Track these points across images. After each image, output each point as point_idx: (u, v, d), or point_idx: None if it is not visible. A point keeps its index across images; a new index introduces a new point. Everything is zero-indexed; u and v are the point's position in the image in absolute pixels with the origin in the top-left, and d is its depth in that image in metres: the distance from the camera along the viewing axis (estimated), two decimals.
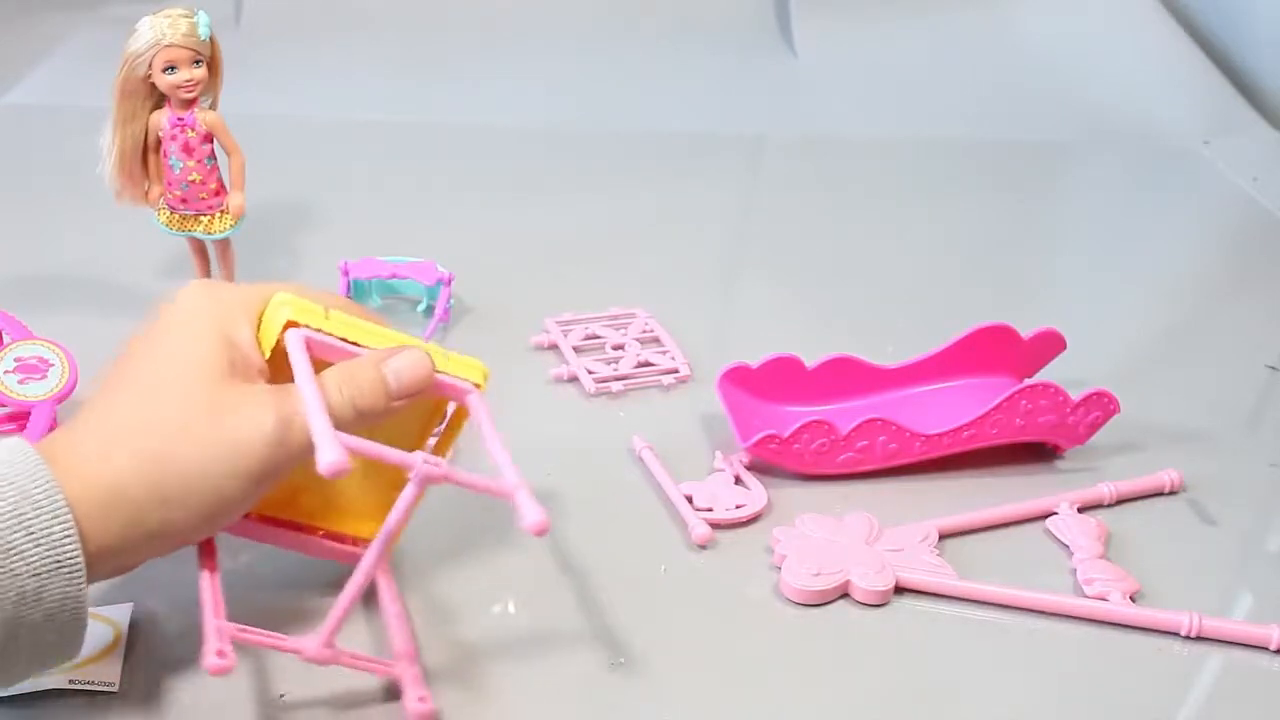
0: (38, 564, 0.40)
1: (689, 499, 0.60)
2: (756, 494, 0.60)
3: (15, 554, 0.40)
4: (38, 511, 0.40)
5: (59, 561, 0.41)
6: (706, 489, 0.61)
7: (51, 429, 0.58)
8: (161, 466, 0.43)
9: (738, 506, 0.59)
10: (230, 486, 0.44)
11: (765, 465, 0.62)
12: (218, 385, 0.45)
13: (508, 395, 0.65)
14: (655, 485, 0.62)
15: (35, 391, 0.58)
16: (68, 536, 0.41)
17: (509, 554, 0.57)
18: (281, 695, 0.49)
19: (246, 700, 0.49)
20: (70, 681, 0.48)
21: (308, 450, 0.43)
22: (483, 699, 0.49)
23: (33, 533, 0.40)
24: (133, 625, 0.51)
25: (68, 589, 0.41)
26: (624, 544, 0.57)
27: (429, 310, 0.75)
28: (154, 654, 0.50)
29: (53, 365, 0.59)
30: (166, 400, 0.44)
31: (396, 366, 0.48)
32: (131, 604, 0.52)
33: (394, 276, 0.75)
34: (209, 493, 0.44)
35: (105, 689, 0.48)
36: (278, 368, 0.47)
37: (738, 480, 0.61)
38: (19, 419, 0.59)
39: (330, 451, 0.41)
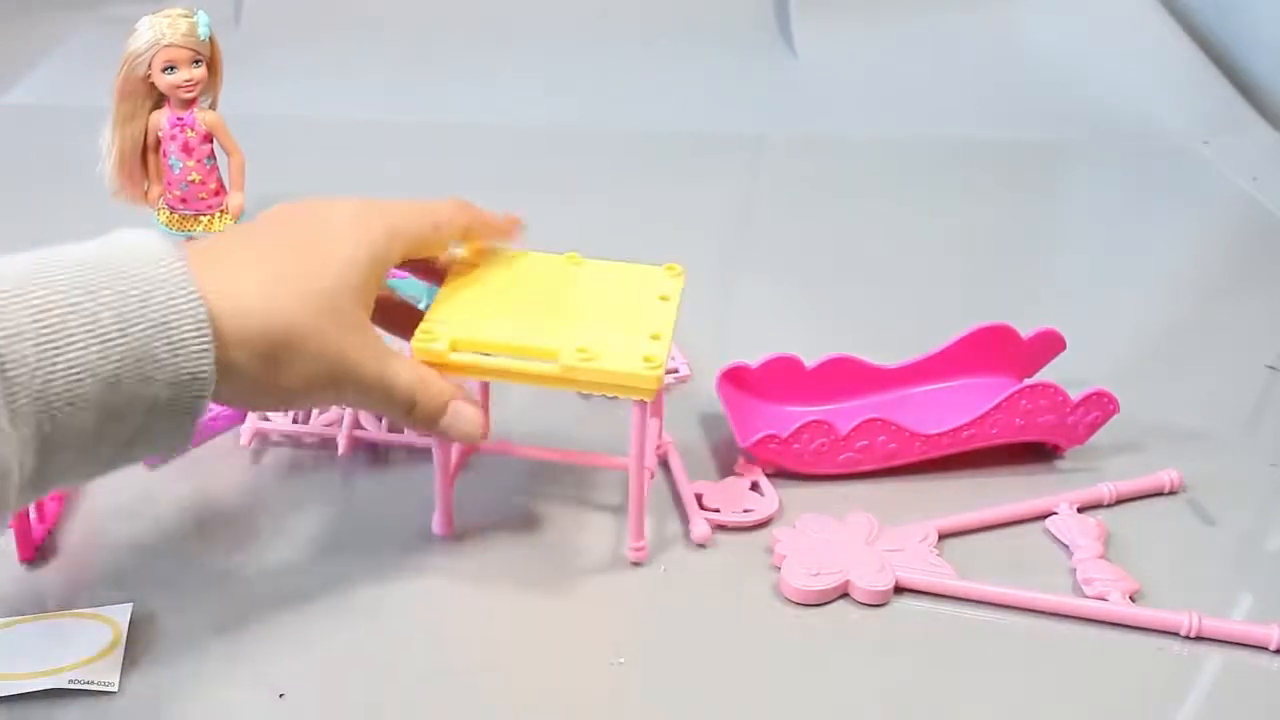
0: (172, 373, 0.42)
1: (698, 498, 0.60)
2: (769, 500, 0.60)
3: (154, 362, 0.42)
4: (180, 320, 0.42)
5: (193, 375, 0.43)
6: (719, 490, 0.61)
7: None
8: (319, 324, 0.46)
9: (745, 511, 0.59)
10: (305, 396, 0.48)
11: (784, 473, 0.62)
12: (352, 307, 0.48)
13: (507, 395, 0.65)
14: (654, 485, 0.62)
15: None
16: (205, 351, 0.43)
17: (508, 555, 0.57)
18: (281, 695, 0.49)
19: (246, 700, 0.49)
20: (70, 681, 0.48)
21: (421, 416, 0.51)
22: (483, 698, 0.50)
23: (172, 342, 0.42)
24: (132, 625, 0.51)
25: (195, 399, 0.43)
26: (624, 543, 0.57)
27: (428, 309, 0.74)
28: (154, 654, 0.50)
29: None
30: (308, 287, 0.47)
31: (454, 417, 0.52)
32: (131, 604, 0.52)
33: (393, 275, 0.75)
34: (331, 378, 0.47)
35: (105, 689, 0.48)
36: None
37: (754, 486, 0.61)
38: None
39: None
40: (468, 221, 0.55)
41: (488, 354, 0.52)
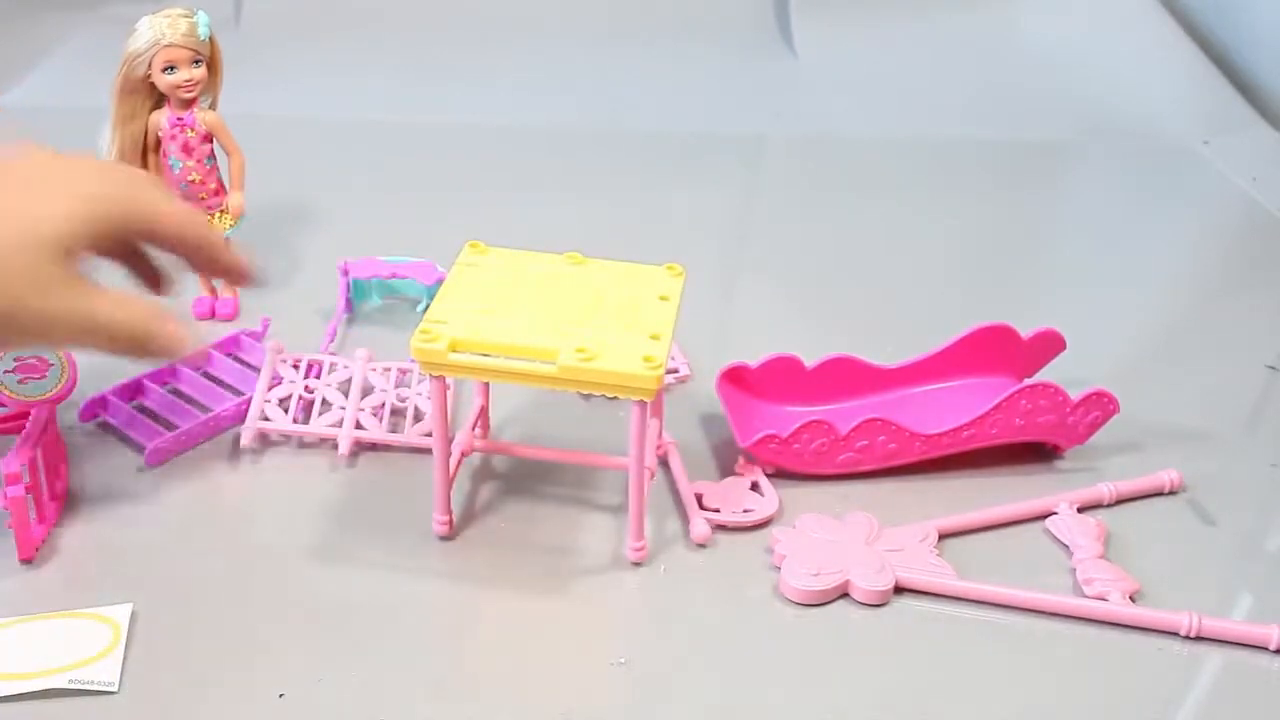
0: None
1: (698, 498, 0.60)
2: (769, 500, 0.60)
3: None
4: None
5: None
6: (719, 490, 0.61)
7: (51, 431, 0.59)
8: None
9: (745, 511, 0.59)
10: (38, 336, 0.47)
11: (784, 473, 0.62)
12: (52, 260, 0.47)
13: (504, 396, 0.65)
14: (654, 485, 0.62)
15: (35, 391, 0.58)
16: None
17: (508, 555, 0.57)
18: (281, 695, 0.49)
19: (246, 699, 0.49)
20: (70, 681, 0.48)
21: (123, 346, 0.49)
22: (483, 698, 0.50)
23: None
24: (132, 625, 0.51)
25: None
26: (624, 543, 0.57)
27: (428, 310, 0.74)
28: (154, 654, 0.50)
29: (52, 365, 0.59)
30: (8, 241, 0.46)
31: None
32: (131, 604, 0.52)
33: (394, 276, 0.75)
34: (15, 323, 0.46)
35: (104, 689, 0.48)
36: None
37: (754, 486, 0.61)
38: (19, 419, 0.59)
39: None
40: (200, 238, 0.52)
41: (487, 354, 0.52)
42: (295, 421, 0.64)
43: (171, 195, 0.52)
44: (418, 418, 0.65)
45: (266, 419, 0.63)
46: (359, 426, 0.63)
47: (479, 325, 0.53)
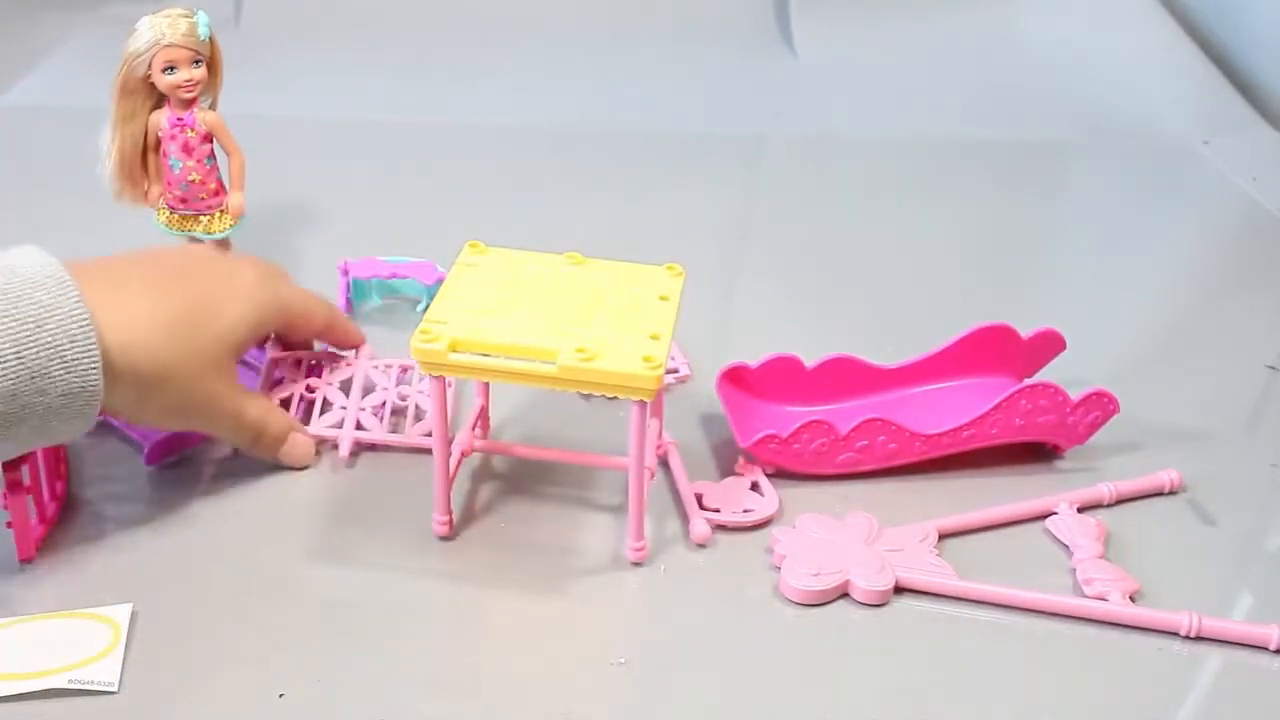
0: (64, 388, 0.50)
1: (698, 498, 0.60)
2: (769, 500, 0.60)
3: (47, 378, 0.49)
4: (73, 344, 0.49)
5: (83, 388, 0.50)
6: (719, 490, 0.61)
7: None
8: (195, 371, 0.55)
9: (745, 511, 0.59)
10: (161, 422, 0.57)
11: (784, 473, 0.62)
12: (227, 358, 0.58)
13: (504, 396, 0.65)
14: (654, 485, 0.62)
15: None
16: (94, 368, 0.50)
17: (508, 555, 0.57)
18: (281, 695, 0.49)
19: (246, 699, 0.49)
20: (70, 681, 0.48)
21: (264, 445, 0.60)
22: (483, 698, 0.50)
23: (66, 362, 0.49)
24: (132, 625, 0.51)
25: (85, 407, 0.51)
26: (624, 543, 0.57)
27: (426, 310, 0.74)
28: (154, 654, 0.50)
29: None
30: (198, 336, 0.55)
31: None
32: (131, 604, 0.52)
33: (394, 276, 0.75)
34: (195, 410, 0.57)
35: (104, 689, 0.48)
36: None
37: (754, 486, 0.61)
38: None
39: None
40: (336, 321, 0.66)
41: (487, 354, 0.52)
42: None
43: (303, 302, 0.64)
44: (418, 417, 0.64)
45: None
46: (359, 427, 0.63)
47: (479, 325, 0.53)
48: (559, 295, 0.56)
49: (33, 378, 0.48)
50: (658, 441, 0.62)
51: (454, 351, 0.52)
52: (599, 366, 0.51)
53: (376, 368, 0.67)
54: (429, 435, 0.58)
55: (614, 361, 0.51)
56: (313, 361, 0.67)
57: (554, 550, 0.57)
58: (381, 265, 0.75)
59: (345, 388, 0.66)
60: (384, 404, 0.65)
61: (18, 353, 0.48)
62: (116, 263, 0.56)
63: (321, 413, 0.64)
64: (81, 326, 0.49)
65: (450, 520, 0.57)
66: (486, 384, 0.62)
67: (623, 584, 0.56)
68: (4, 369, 0.48)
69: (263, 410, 0.59)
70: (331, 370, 0.67)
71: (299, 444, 0.61)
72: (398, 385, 0.66)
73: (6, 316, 0.48)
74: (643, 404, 0.52)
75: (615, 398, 0.52)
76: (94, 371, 0.50)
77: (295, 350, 0.67)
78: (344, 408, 0.64)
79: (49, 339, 0.49)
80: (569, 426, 0.66)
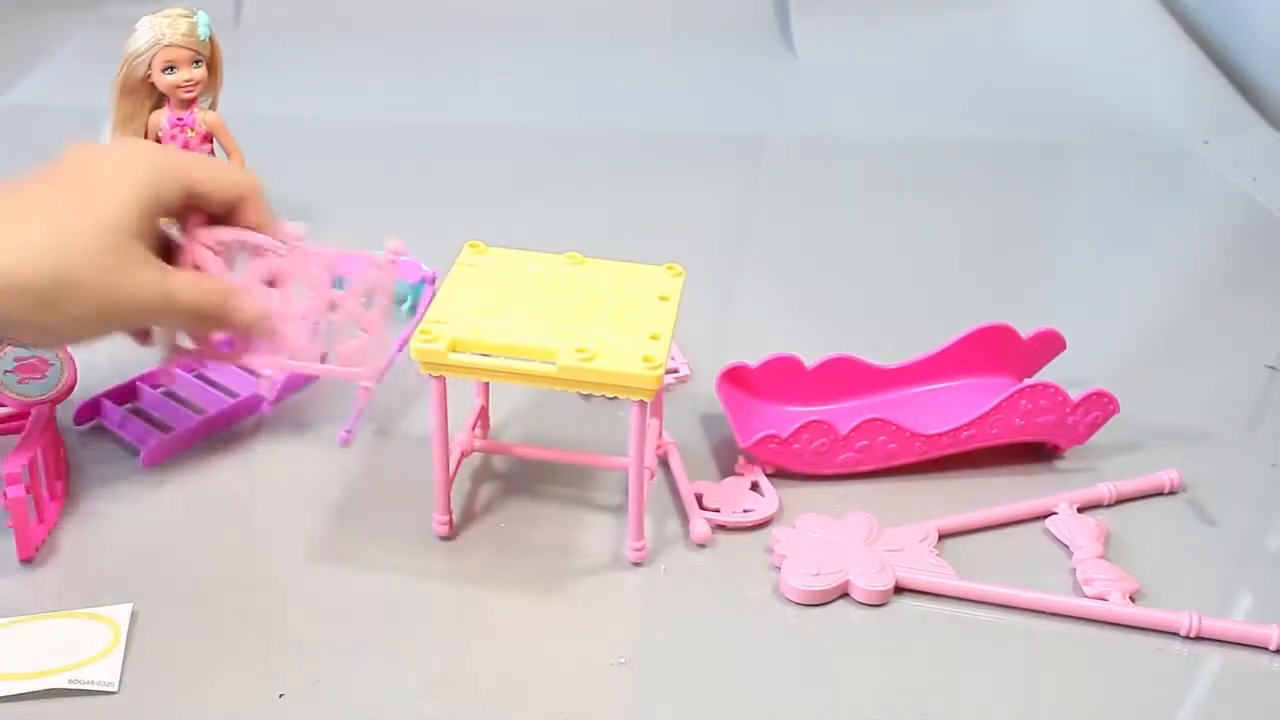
0: None
1: (698, 497, 0.60)
2: (769, 500, 0.60)
3: None
4: None
5: None
6: (719, 490, 0.61)
7: (51, 431, 0.59)
8: (55, 280, 0.48)
9: (745, 511, 0.59)
10: (91, 330, 0.51)
11: (784, 473, 0.62)
12: (129, 241, 0.50)
13: (504, 396, 0.65)
14: (654, 485, 0.62)
15: (34, 391, 0.58)
16: None
17: (508, 555, 0.57)
18: (281, 695, 0.49)
19: (246, 699, 0.49)
20: (70, 681, 0.48)
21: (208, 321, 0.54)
22: (483, 698, 0.50)
23: None
24: (132, 625, 0.51)
25: None
26: (624, 543, 0.57)
27: (413, 309, 0.75)
28: (154, 654, 0.50)
29: (52, 365, 0.59)
30: (85, 229, 0.49)
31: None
32: (131, 604, 0.52)
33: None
34: (117, 309, 0.50)
35: (104, 689, 0.48)
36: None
37: (754, 486, 0.61)
38: (18, 418, 0.60)
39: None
40: (250, 196, 0.57)
41: (487, 354, 0.52)
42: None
43: (211, 168, 0.56)
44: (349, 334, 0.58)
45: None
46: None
47: (479, 325, 0.53)
48: (559, 295, 0.56)
49: None
50: (658, 441, 0.62)
51: (454, 351, 0.52)
52: (599, 366, 0.51)
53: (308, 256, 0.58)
54: (357, 363, 0.56)
55: (614, 361, 0.51)
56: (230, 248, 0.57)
57: (554, 550, 0.57)
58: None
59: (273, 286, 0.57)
60: (313, 312, 0.57)
61: None
62: None
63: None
64: None
65: (450, 520, 0.57)
66: (486, 384, 0.62)
67: (623, 584, 0.56)
68: None
69: (193, 283, 0.53)
70: (254, 262, 0.57)
71: (246, 306, 0.54)
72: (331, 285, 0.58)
73: None
74: (642, 404, 0.52)
75: (615, 398, 0.52)
76: None
77: (213, 232, 0.56)
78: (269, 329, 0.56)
79: None
80: (569, 426, 0.66)
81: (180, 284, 0.52)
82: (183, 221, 0.55)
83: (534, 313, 0.54)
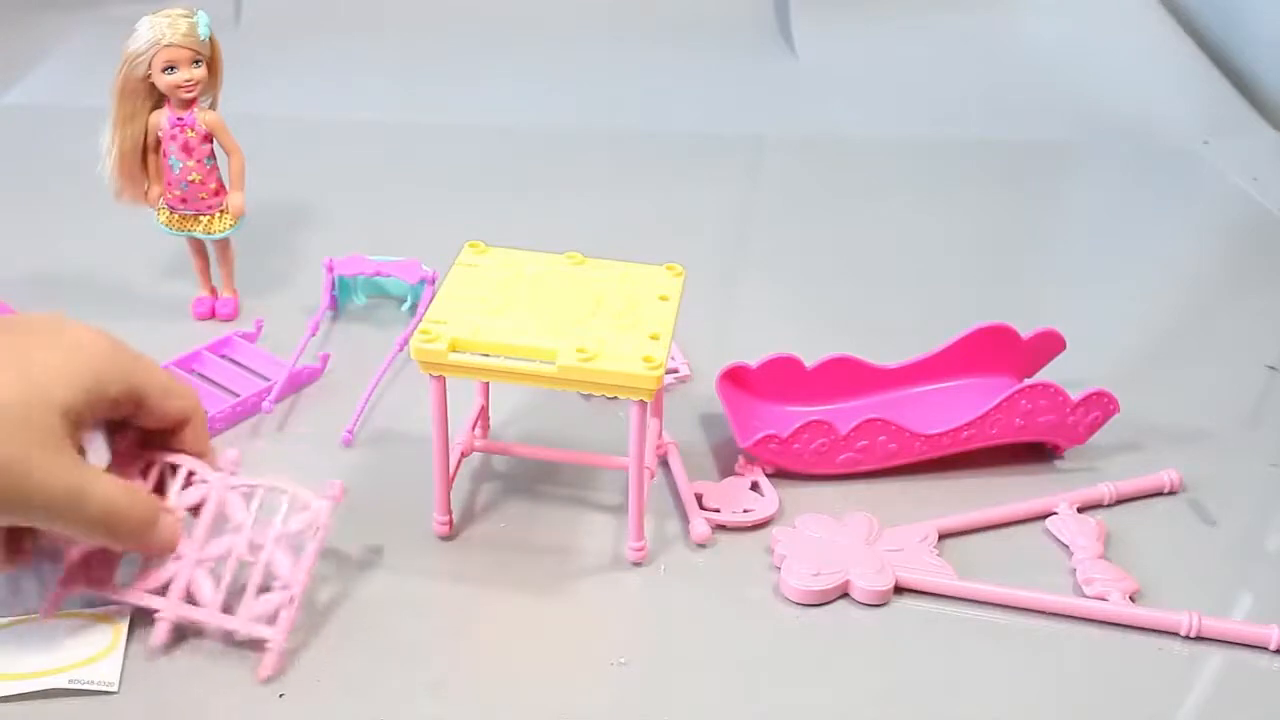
0: None
1: (698, 497, 0.60)
2: (769, 500, 0.60)
3: None
4: None
5: None
6: (719, 490, 0.61)
7: None
8: None
9: (745, 511, 0.59)
10: (41, 510, 0.46)
11: (784, 473, 0.62)
12: (54, 422, 0.45)
13: (504, 396, 0.65)
14: (654, 485, 0.62)
15: None
16: None
17: (508, 555, 0.57)
18: (281, 695, 0.49)
19: (246, 700, 0.49)
20: (70, 681, 0.48)
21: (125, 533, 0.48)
22: (483, 698, 0.50)
23: None
24: (132, 626, 0.51)
25: None
26: (624, 543, 0.57)
27: (413, 309, 0.75)
28: (154, 654, 0.50)
29: None
30: (12, 392, 0.45)
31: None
32: (131, 605, 0.52)
33: (378, 274, 0.75)
34: (14, 491, 0.44)
35: (105, 689, 0.48)
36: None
37: (754, 486, 0.61)
38: None
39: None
40: (194, 415, 0.52)
41: (486, 354, 0.52)
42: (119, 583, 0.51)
43: (162, 378, 0.51)
44: (264, 586, 0.50)
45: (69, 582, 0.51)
46: (188, 597, 0.50)
47: (479, 325, 0.53)
48: (559, 295, 0.56)
49: None
50: (658, 441, 0.62)
51: (454, 351, 0.52)
52: (599, 366, 0.51)
53: (236, 489, 0.52)
54: (269, 622, 0.50)
55: (614, 361, 0.51)
56: (165, 465, 0.53)
57: (554, 550, 0.57)
58: (366, 263, 0.75)
59: (192, 516, 0.52)
60: (229, 553, 0.51)
61: None
62: None
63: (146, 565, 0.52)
64: None
65: (450, 520, 0.57)
66: (486, 384, 0.62)
67: (623, 584, 0.56)
68: None
69: (114, 493, 0.47)
70: (181, 489, 0.52)
71: (166, 527, 0.50)
72: (255, 524, 0.52)
73: None
74: (642, 404, 0.52)
75: (615, 398, 0.52)
76: None
77: (153, 447, 0.52)
78: (178, 557, 0.51)
79: None
80: (569, 426, 0.66)
81: (102, 487, 0.47)
82: (114, 430, 0.52)
83: (534, 313, 0.54)
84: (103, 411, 0.49)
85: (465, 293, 0.55)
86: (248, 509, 0.52)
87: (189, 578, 0.50)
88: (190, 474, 0.52)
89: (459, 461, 0.60)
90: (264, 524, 0.51)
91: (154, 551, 0.50)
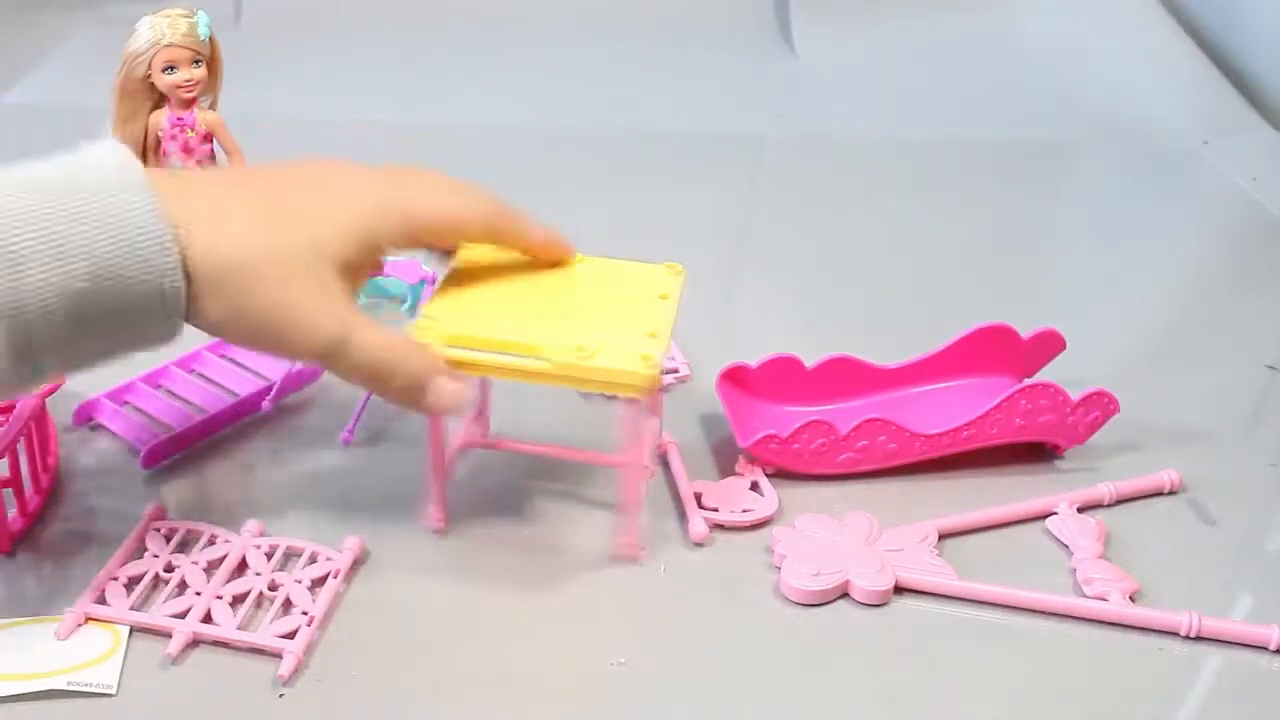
0: (143, 289, 0.45)
1: (697, 497, 0.60)
2: (768, 500, 0.60)
3: (124, 279, 0.44)
4: (146, 239, 0.45)
5: (162, 291, 0.45)
6: (718, 489, 0.61)
7: (42, 421, 0.58)
8: (279, 270, 0.47)
9: (744, 510, 0.59)
10: (259, 334, 0.49)
11: (784, 473, 0.62)
12: (322, 265, 0.49)
13: (505, 395, 0.65)
14: (654, 485, 0.62)
15: None
16: (172, 267, 0.45)
17: (507, 554, 0.57)
18: (281, 695, 0.49)
19: (245, 701, 0.49)
20: (69, 683, 0.48)
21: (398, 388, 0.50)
22: (483, 698, 0.49)
23: (140, 259, 0.45)
24: (133, 631, 0.51)
25: (170, 309, 0.46)
26: (622, 542, 0.57)
27: (413, 309, 0.75)
28: (153, 654, 0.50)
29: None
30: (283, 234, 0.48)
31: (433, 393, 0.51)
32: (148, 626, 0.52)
33: (378, 274, 0.75)
34: (286, 327, 0.48)
35: (104, 691, 0.48)
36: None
37: (754, 486, 0.61)
38: (5, 410, 0.59)
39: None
40: (495, 224, 0.55)
41: (483, 350, 0.52)
42: (133, 608, 0.52)
43: (448, 185, 0.55)
44: (285, 609, 0.52)
45: (102, 601, 0.52)
46: (207, 619, 0.52)
47: (474, 321, 0.53)
48: (556, 292, 0.55)
49: (106, 278, 0.44)
50: (657, 440, 0.62)
51: (450, 346, 0.52)
52: (595, 364, 0.51)
53: (259, 548, 0.55)
54: (287, 636, 0.50)
55: (611, 359, 0.51)
56: (188, 534, 0.56)
57: (553, 549, 0.57)
58: None
59: (211, 569, 0.54)
60: (249, 592, 0.53)
61: (88, 250, 0.44)
62: (202, 171, 0.51)
63: (170, 598, 0.53)
64: (156, 219, 0.45)
65: (444, 515, 0.57)
66: (484, 381, 0.62)
67: (623, 584, 0.56)
68: (72, 267, 0.43)
69: (380, 342, 0.49)
70: (203, 547, 0.55)
71: (443, 389, 0.51)
72: (275, 571, 0.54)
73: (75, 212, 0.44)
74: (639, 401, 0.52)
75: (614, 396, 0.52)
76: (172, 270, 0.45)
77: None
78: (198, 593, 0.52)
79: (118, 234, 0.44)
80: (569, 424, 0.65)
81: (369, 337, 0.49)
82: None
83: (531, 309, 0.54)
84: (378, 255, 0.52)
85: (462, 288, 0.55)
86: (268, 563, 0.55)
87: (207, 607, 0.52)
88: (213, 536, 0.56)
89: (455, 457, 0.60)
90: (284, 572, 0.54)
91: (429, 412, 0.52)
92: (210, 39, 0.67)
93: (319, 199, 0.50)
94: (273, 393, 0.65)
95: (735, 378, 0.65)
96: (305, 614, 0.52)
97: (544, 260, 0.57)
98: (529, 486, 0.61)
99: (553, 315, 0.54)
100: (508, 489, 0.61)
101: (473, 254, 0.58)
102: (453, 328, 0.52)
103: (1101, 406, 0.63)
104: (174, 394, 0.66)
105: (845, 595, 0.55)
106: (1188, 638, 0.53)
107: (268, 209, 0.49)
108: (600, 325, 0.53)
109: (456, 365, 0.52)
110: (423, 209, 0.53)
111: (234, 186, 0.50)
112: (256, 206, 0.49)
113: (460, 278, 0.56)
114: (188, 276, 0.46)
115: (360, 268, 0.51)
